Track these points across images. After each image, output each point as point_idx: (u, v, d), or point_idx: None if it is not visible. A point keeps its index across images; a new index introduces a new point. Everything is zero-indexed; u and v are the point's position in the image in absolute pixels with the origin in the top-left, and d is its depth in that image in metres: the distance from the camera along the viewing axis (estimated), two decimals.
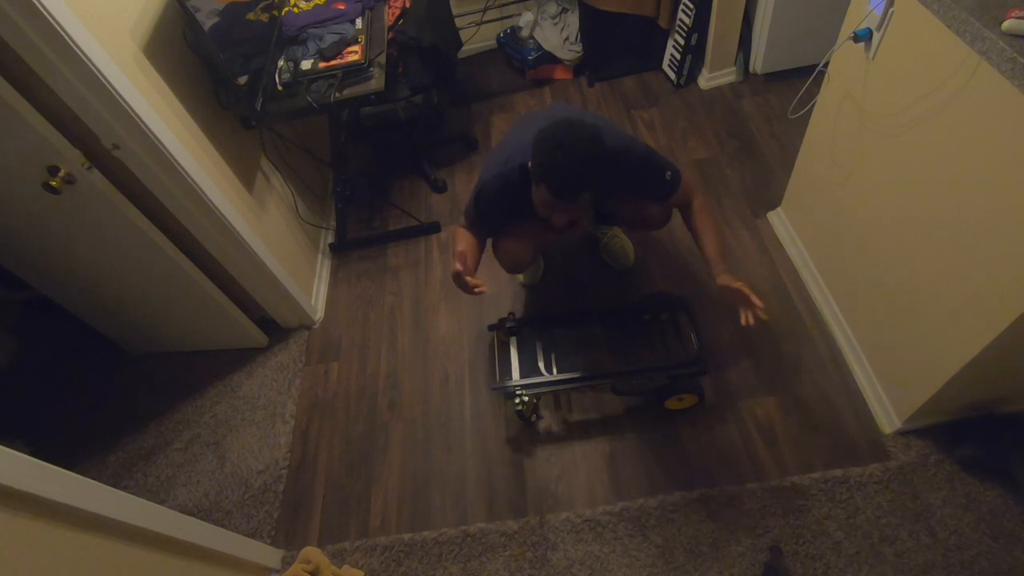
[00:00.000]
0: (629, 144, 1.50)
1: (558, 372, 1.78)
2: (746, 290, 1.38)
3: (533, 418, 1.82)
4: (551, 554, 1.58)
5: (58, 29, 1.22)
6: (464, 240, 1.58)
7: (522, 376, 1.76)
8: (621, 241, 2.10)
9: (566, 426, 1.81)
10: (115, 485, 1.19)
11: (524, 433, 1.82)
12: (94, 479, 1.13)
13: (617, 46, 2.73)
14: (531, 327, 1.89)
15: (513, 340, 1.84)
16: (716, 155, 2.40)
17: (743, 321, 1.41)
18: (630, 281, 2.09)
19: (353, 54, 1.90)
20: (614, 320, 1.96)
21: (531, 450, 1.78)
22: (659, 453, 1.70)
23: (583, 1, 2.56)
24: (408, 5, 2.19)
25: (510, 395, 1.72)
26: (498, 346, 1.95)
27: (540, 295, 2.13)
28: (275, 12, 1.97)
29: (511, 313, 1.93)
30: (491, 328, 1.94)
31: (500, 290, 1.94)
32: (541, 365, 1.79)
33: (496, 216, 1.60)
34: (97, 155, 1.54)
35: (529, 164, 1.37)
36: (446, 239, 2.40)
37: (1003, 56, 0.97)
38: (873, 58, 1.37)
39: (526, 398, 1.70)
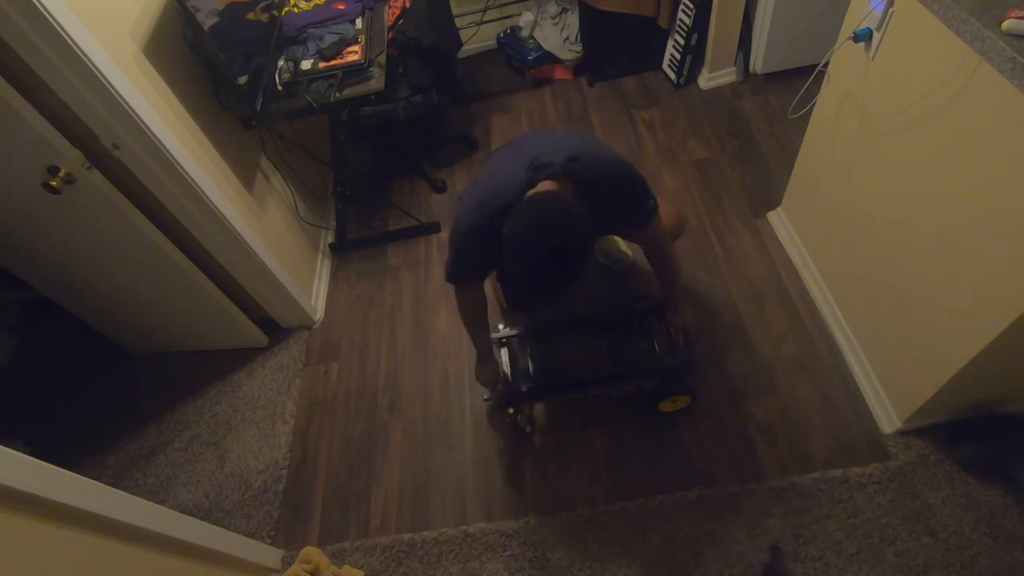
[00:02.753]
0: (610, 171, 1.31)
1: (548, 381, 1.76)
2: (687, 331, 1.65)
3: (528, 429, 1.81)
4: (551, 554, 1.58)
5: (58, 29, 1.22)
6: (481, 345, 1.62)
7: (513, 387, 1.74)
8: (616, 243, 2.09)
9: (566, 426, 1.81)
10: (115, 485, 1.19)
11: (524, 433, 1.82)
12: (94, 479, 1.13)
13: (617, 46, 2.73)
14: (520, 337, 1.87)
15: (504, 352, 1.82)
16: (716, 155, 2.40)
17: (677, 339, 1.66)
18: (628, 283, 2.09)
19: (353, 54, 1.90)
20: (603, 326, 1.95)
21: (531, 450, 1.78)
22: (659, 453, 1.70)
23: (583, 1, 2.56)
24: (408, 5, 2.19)
25: (503, 406, 1.71)
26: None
27: None
28: (275, 12, 1.97)
29: (498, 326, 1.92)
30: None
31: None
32: (531, 375, 1.77)
33: (481, 267, 1.49)
34: (97, 155, 1.54)
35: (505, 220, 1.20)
36: (446, 239, 2.40)
37: (1003, 56, 0.97)
38: (873, 58, 1.37)
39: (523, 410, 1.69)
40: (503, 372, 1.72)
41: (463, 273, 1.44)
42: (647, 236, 1.48)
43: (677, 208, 1.70)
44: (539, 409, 1.84)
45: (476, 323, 1.61)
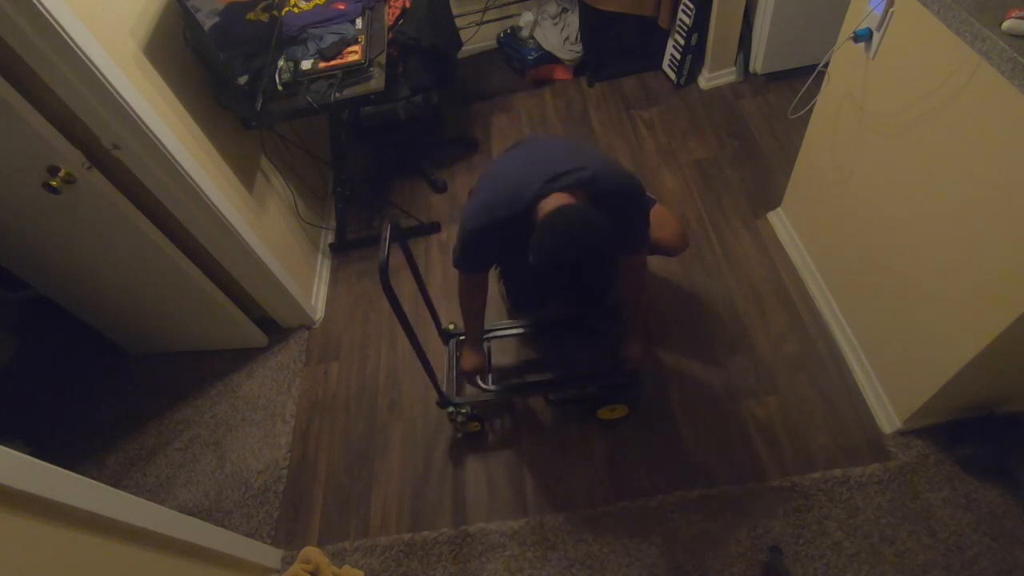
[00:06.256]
0: (625, 187, 1.31)
1: (494, 383, 1.77)
2: (637, 364, 1.66)
3: (460, 435, 1.81)
4: (551, 554, 1.58)
5: (58, 29, 1.22)
6: (472, 325, 1.62)
7: (457, 388, 1.75)
8: None
9: (566, 426, 1.81)
10: (115, 485, 1.19)
11: (524, 433, 1.82)
12: (94, 479, 1.13)
13: (617, 46, 2.73)
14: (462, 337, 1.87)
15: (449, 351, 1.82)
16: (716, 155, 2.40)
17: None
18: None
19: (353, 54, 1.90)
20: (554, 330, 1.94)
21: (531, 450, 1.78)
22: (659, 453, 1.70)
23: (583, 1, 2.56)
24: (408, 5, 2.19)
25: (446, 406, 1.71)
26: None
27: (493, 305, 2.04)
28: (275, 12, 1.97)
29: (451, 323, 1.92)
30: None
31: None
32: (478, 377, 1.74)
33: (484, 261, 1.51)
34: (97, 155, 1.54)
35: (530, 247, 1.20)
36: (446, 239, 2.40)
37: (1003, 56, 0.97)
38: (873, 58, 1.37)
39: (463, 410, 1.71)
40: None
41: (468, 264, 1.49)
42: (634, 260, 1.50)
43: (682, 222, 1.71)
44: (542, 408, 1.84)
45: (474, 308, 1.62)
